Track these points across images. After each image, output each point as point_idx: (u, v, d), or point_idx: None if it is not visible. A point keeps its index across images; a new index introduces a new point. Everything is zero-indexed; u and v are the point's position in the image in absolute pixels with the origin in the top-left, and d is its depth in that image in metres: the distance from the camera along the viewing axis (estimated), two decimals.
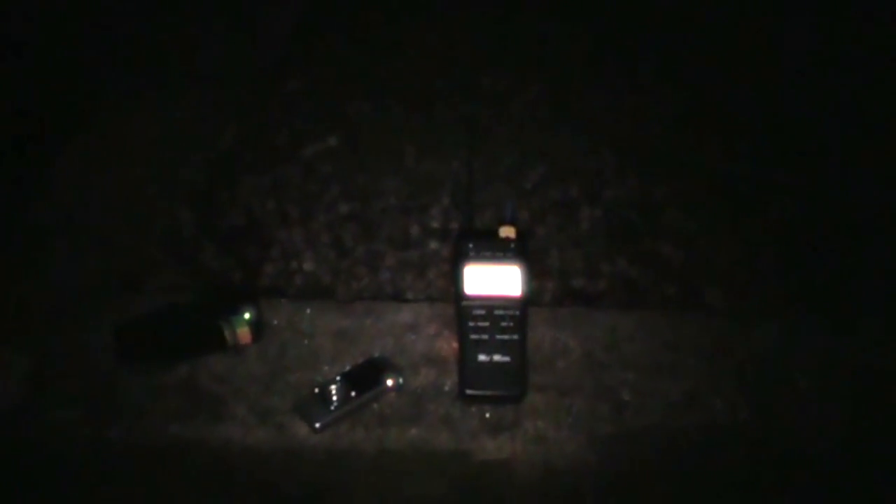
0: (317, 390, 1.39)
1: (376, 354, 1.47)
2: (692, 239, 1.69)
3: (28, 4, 2.00)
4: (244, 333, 1.44)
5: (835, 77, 1.93)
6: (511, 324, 1.40)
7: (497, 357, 1.39)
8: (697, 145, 1.83)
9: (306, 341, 1.49)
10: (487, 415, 1.40)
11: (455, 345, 1.44)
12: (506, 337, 1.40)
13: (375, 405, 1.41)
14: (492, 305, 1.40)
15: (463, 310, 1.41)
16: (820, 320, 1.54)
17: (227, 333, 1.44)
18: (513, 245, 1.42)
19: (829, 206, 1.72)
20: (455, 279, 1.43)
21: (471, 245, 1.42)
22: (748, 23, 2.03)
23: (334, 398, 1.38)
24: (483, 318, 1.40)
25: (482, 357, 1.39)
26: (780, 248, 1.67)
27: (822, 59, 1.96)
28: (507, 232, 1.45)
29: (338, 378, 1.40)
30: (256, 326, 1.45)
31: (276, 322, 1.51)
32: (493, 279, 1.41)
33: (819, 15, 2.01)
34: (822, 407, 1.42)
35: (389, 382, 1.40)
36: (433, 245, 1.67)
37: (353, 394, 1.38)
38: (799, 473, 1.37)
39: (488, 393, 1.40)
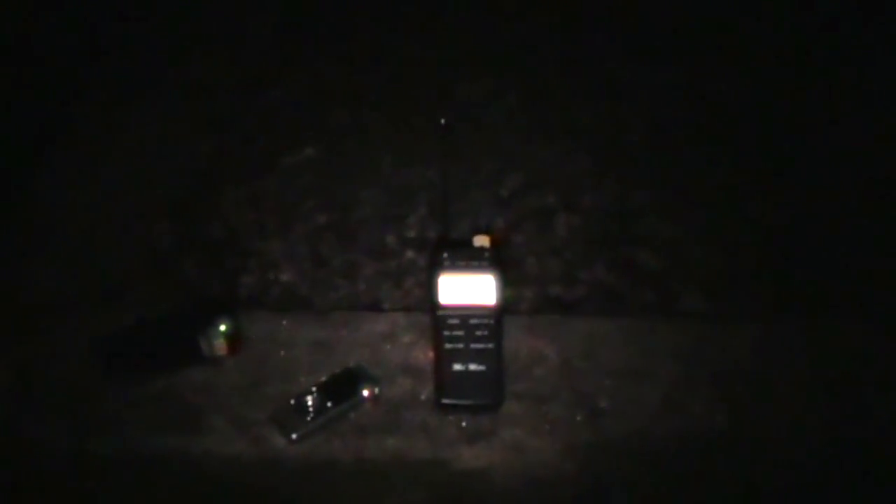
0: (293, 401, 1.39)
1: (352, 364, 1.46)
2: (670, 245, 1.69)
3: (3, 18, 1.99)
4: (220, 345, 1.44)
5: (815, 82, 1.93)
6: (486, 332, 1.40)
7: (472, 366, 1.39)
8: (675, 151, 1.83)
9: (283, 352, 1.49)
10: (464, 423, 1.40)
11: (431, 354, 1.44)
12: (481, 346, 1.40)
13: (352, 415, 1.41)
14: (466, 315, 1.41)
15: (438, 319, 1.41)
16: (798, 325, 1.54)
17: (203, 346, 1.44)
18: (487, 254, 1.43)
19: (807, 211, 1.73)
20: (430, 289, 1.43)
21: (445, 255, 1.42)
22: (728, 27, 2.04)
23: (310, 409, 1.38)
24: (458, 327, 1.40)
25: (457, 366, 1.39)
26: (758, 254, 1.68)
27: (801, 64, 1.96)
28: (481, 241, 1.45)
29: (314, 389, 1.40)
30: (233, 338, 1.45)
31: (253, 333, 1.51)
32: (467, 289, 1.41)
33: (799, 18, 2.02)
34: (800, 412, 1.42)
35: (366, 392, 1.40)
36: (410, 254, 1.68)
37: (329, 404, 1.38)
38: (777, 479, 1.37)
39: (465, 402, 1.40)
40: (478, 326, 1.40)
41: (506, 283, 1.44)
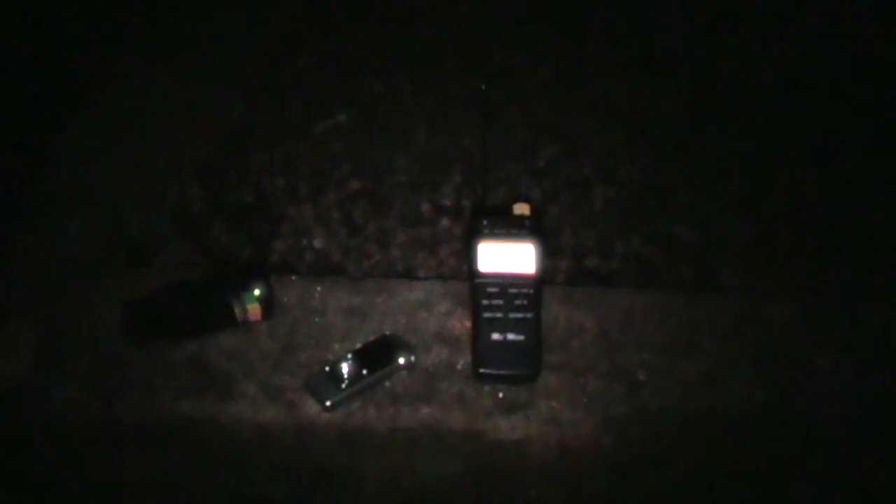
0: (328, 368, 1.38)
1: (388, 332, 1.44)
2: (707, 219, 1.67)
3: None
4: (254, 310, 1.42)
5: (853, 56, 1.91)
6: (525, 302, 1.38)
7: (511, 336, 1.37)
8: (712, 124, 1.81)
9: (317, 319, 1.47)
10: (501, 394, 1.38)
11: (468, 323, 1.43)
12: (520, 315, 1.38)
13: (387, 383, 1.39)
14: (506, 283, 1.39)
15: (476, 287, 1.39)
16: (836, 303, 1.52)
17: (237, 310, 1.42)
18: (527, 222, 1.41)
19: (845, 186, 1.71)
20: (468, 256, 1.41)
21: (485, 222, 1.41)
22: (766, 1, 2.02)
23: (345, 376, 1.36)
24: (497, 296, 1.38)
25: (496, 336, 1.37)
26: (796, 229, 1.66)
27: (838, 39, 1.94)
28: (521, 209, 1.44)
29: (349, 356, 1.38)
30: (267, 303, 1.43)
31: (286, 299, 1.49)
32: (507, 257, 1.39)
33: None
34: (839, 389, 1.41)
35: (401, 361, 1.39)
36: (445, 222, 1.66)
37: (364, 372, 1.36)
38: (815, 456, 1.36)
39: (502, 372, 1.38)
40: (517, 296, 1.38)
41: (545, 252, 1.42)
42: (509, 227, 1.40)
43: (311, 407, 1.37)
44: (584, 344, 1.45)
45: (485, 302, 1.38)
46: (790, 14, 1.99)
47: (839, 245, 1.63)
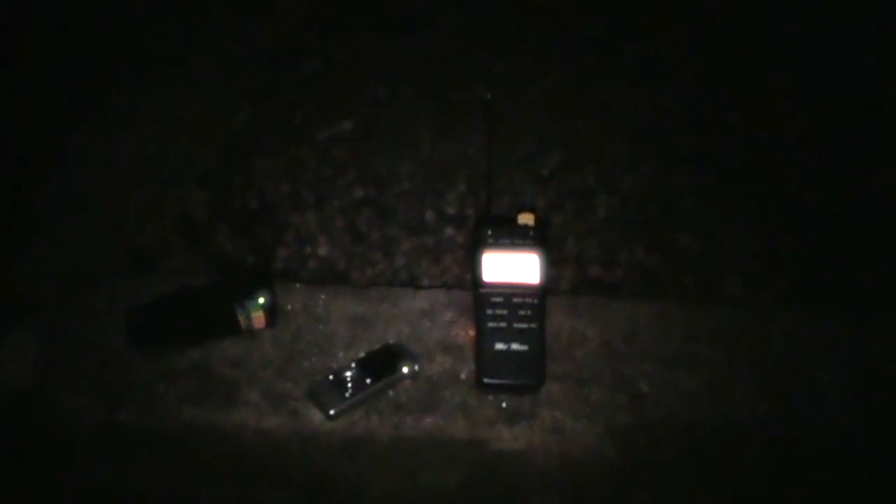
0: (331, 377, 1.38)
1: (391, 341, 1.45)
2: (710, 229, 1.67)
3: None
4: (258, 318, 1.43)
5: (856, 68, 1.90)
6: (529, 312, 1.38)
7: (515, 345, 1.37)
8: (715, 134, 1.81)
9: (321, 327, 1.47)
10: (504, 404, 1.38)
11: (472, 332, 1.43)
12: (524, 325, 1.38)
13: (391, 392, 1.39)
14: (510, 293, 1.39)
15: (481, 297, 1.39)
16: (839, 312, 1.52)
17: (240, 317, 1.42)
18: (532, 232, 1.42)
19: (848, 198, 1.70)
20: (473, 266, 1.41)
21: (489, 232, 1.41)
22: (768, 11, 2.01)
23: (349, 385, 1.36)
24: (501, 305, 1.38)
25: (500, 345, 1.38)
26: (799, 239, 1.65)
27: (842, 50, 1.93)
28: (525, 219, 1.44)
29: (353, 364, 1.39)
30: (271, 311, 1.44)
31: (290, 307, 1.49)
32: (511, 267, 1.40)
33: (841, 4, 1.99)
34: (841, 400, 1.41)
35: (405, 370, 1.39)
36: (449, 231, 1.66)
37: (368, 381, 1.37)
38: (817, 466, 1.36)
39: (506, 382, 1.38)
40: (521, 305, 1.38)
41: (550, 262, 1.42)
42: (513, 237, 1.41)
43: (314, 415, 1.37)
44: (588, 354, 1.45)
45: (489, 311, 1.39)
46: (794, 23, 1.99)
47: (842, 256, 1.63)
